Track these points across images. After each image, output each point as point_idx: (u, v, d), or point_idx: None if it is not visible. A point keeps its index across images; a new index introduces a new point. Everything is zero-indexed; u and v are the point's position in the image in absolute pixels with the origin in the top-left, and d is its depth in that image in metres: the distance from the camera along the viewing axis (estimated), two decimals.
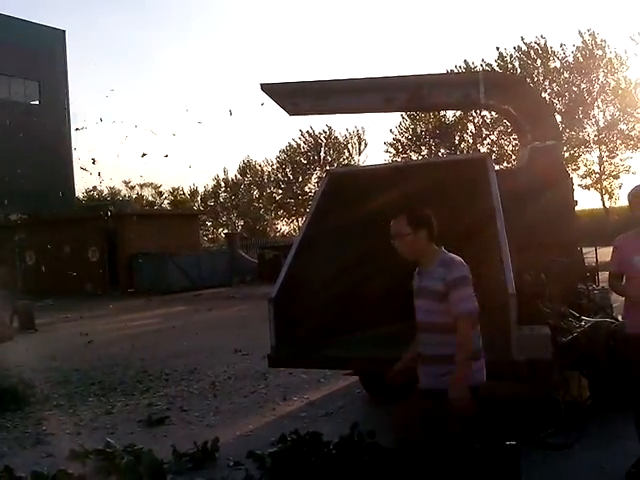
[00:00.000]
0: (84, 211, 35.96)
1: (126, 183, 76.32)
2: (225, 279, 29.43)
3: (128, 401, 8.38)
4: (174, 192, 75.15)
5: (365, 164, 47.91)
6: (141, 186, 76.27)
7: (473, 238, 5.95)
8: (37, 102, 36.99)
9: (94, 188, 66.94)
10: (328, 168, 40.66)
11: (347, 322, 6.19)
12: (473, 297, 3.72)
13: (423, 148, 52.67)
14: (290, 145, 60.68)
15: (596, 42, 45.88)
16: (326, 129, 59.06)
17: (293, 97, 7.53)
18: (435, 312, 3.78)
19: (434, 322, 3.79)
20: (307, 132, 59.33)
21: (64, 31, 38.94)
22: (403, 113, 51.64)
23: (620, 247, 4.95)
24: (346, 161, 57.51)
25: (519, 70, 45.66)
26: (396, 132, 53.96)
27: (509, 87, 7.77)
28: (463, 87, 7.49)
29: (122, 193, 73.45)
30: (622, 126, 46.46)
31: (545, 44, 47.16)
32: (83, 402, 8.41)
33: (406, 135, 53.90)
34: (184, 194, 74.05)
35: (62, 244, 28.61)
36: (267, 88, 7.49)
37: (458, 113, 49.21)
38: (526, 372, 5.24)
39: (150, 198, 75.76)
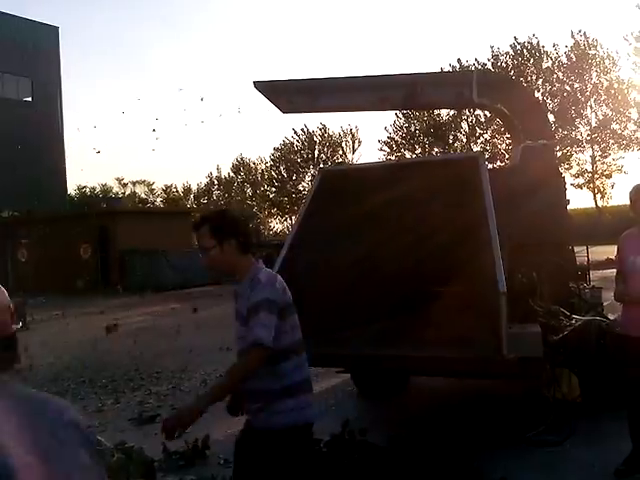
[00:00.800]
0: (76, 208, 35.90)
1: (119, 180, 76.28)
2: (217, 277, 29.36)
3: (119, 399, 8.37)
4: (167, 189, 75.10)
5: (359, 162, 47.92)
6: (134, 183, 76.26)
7: (465, 236, 5.96)
8: (30, 99, 36.86)
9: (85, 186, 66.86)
10: (322, 166, 40.73)
11: (339, 320, 6.19)
12: (269, 325, 2.99)
13: (417, 147, 52.83)
14: (284, 143, 60.70)
15: (588, 42, 46.14)
16: (321, 127, 59.17)
17: (287, 95, 7.51)
18: (244, 338, 3.10)
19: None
20: (302, 130, 59.39)
21: (57, 28, 38.84)
22: (397, 112, 51.77)
23: (621, 244, 4.97)
24: (340, 159, 57.57)
25: (512, 70, 45.87)
26: (390, 130, 54.16)
27: (502, 86, 7.79)
28: (457, 86, 7.50)
29: (114, 190, 73.40)
30: (615, 126, 46.70)
31: (538, 43, 47.41)
32: (74, 400, 8.37)
33: (400, 134, 54.06)
34: (177, 192, 74.04)
35: (54, 241, 28.54)
36: (260, 86, 7.48)
37: (452, 112, 49.38)
38: (517, 370, 5.25)
39: (143, 195, 75.75)
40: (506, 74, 41.10)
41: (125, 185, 77.27)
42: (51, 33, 38.01)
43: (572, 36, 46.70)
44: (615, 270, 5.11)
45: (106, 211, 31.24)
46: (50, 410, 1.54)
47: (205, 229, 3.20)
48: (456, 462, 5.11)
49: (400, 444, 5.60)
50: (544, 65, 47.57)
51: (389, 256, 6.65)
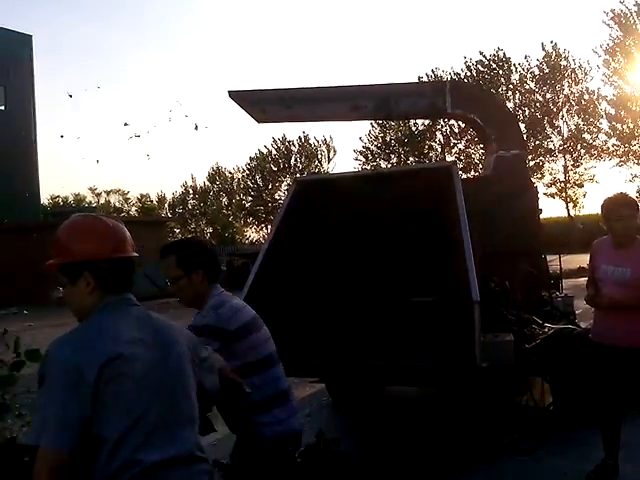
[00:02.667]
0: (49, 217, 35.54)
1: (92, 190, 75.73)
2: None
3: None
4: (142, 199, 74.66)
5: (334, 172, 48.05)
6: (108, 192, 75.74)
7: (438, 246, 6.00)
8: (2, 107, 36.49)
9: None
10: (298, 176, 40.76)
11: (314, 329, 6.19)
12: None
13: (392, 156, 53.09)
14: (260, 152, 60.68)
15: (559, 52, 46.93)
16: (301, 136, 59.29)
17: (261, 105, 7.55)
18: None
19: None
20: (279, 139, 59.44)
21: (31, 36, 38.50)
22: (372, 121, 52.09)
23: (593, 252, 4.99)
24: (316, 169, 57.67)
25: (483, 81, 46.56)
26: (366, 140, 54.39)
27: (475, 97, 7.89)
28: (430, 96, 7.58)
29: (87, 199, 72.89)
30: (586, 136, 47.38)
31: (504, 55, 48.14)
32: None
33: (375, 143, 54.31)
34: (152, 201, 73.62)
35: (27, 252, 28.20)
36: (235, 95, 7.50)
37: (427, 122, 49.78)
38: (490, 378, 5.29)
39: (117, 204, 75.25)
40: (478, 85, 41.58)
41: (99, 194, 76.76)
42: (24, 41, 37.68)
43: (543, 48, 47.46)
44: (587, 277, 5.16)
45: None
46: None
47: (172, 259, 3.18)
48: (430, 471, 5.12)
49: (375, 454, 5.60)
50: (513, 76, 48.29)
51: (362, 265, 6.67)
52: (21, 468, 2.72)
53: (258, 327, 3.24)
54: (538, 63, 47.51)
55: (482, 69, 48.43)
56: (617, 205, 4.75)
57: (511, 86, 48.05)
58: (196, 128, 10.33)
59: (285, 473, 3.16)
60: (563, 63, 46.96)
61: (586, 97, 46.81)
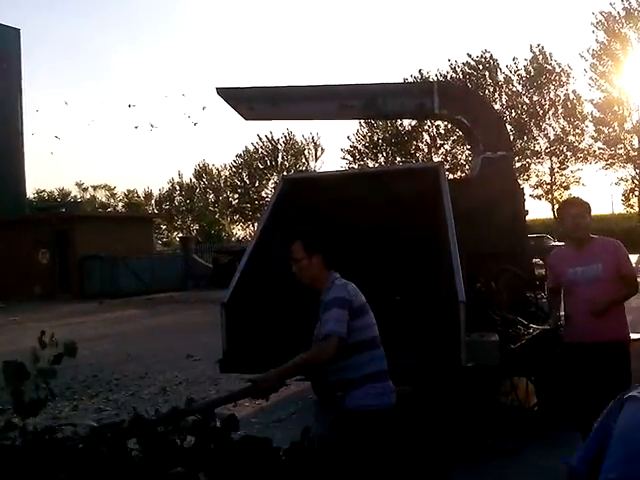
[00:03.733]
0: (35, 212, 35.29)
1: (79, 185, 75.35)
2: (179, 283, 29.19)
3: (77, 406, 8.23)
4: (128, 194, 74.38)
5: (321, 170, 48.01)
6: (94, 187, 75.38)
7: (425, 246, 6.02)
8: None
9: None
10: (285, 173, 40.72)
11: (300, 327, 6.19)
12: (341, 319, 3.40)
13: (380, 156, 53.19)
14: (247, 150, 60.61)
15: (545, 55, 47.25)
16: (286, 133, 59.25)
17: (249, 102, 7.53)
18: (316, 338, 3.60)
19: None
20: (265, 137, 59.39)
21: (19, 30, 38.17)
22: (361, 121, 52.15)
23: (554, 261, 5.16)
24: (303, 167, 57.68)
25: (470, 82, 46.79)
26: (353, 139, 54.47)
27: (462, 98, 7.89)
28: (417, 97, 7.59)
29: (73, 194, 72.51)
30: (572, 138, 47.69)
31: (491, 56, 48.40)
32: None
33: (363, 143, 54.37)
34: (139, 197, 73.34)
35: (12, 246, 28.03)
36: (223, 92, 7.48)
37: (414, 122, 49.93)
38: (475, 378, 5.31)
39: (104, 200, 74.90)
40: (466, 86, 41.67)
41: (85, 189, 76.39)
42: (12, 35, 37.36)
43: (531, 50, 47.76)
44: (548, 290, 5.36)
45: (65, 216, 30.77)
46: None
47: (299, 243, 3.69)
48: (414, 470, 5.13)
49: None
50: (499, 78, 48.56)
51: (348, 264, 6.67)
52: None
53: (368, 310, 3.61)
54: (525, 65, 47.81)
55: (469, 70, 48.66)
56: (568, 205, 5.16)
57: (497, 88, 48.31)
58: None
59: (378, 443, 3.48)
60: (549, 66, 47.27)
61: (572, 99, 47.13)
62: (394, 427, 3.58)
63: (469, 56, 48.84)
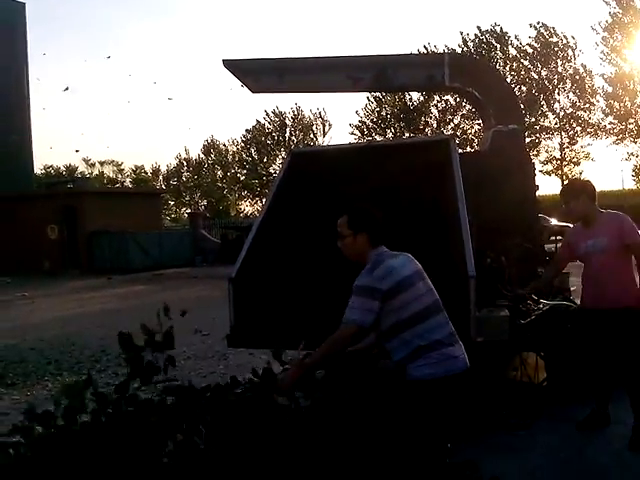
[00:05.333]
0: (42, 188, 35.31)
1: (86, 160, 75.33)
2: (187, 259, 29.22)
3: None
4: (136, 170, 74.34)
5: (330, 144, 47.80)
6: (102, 163, 75.36)
7: (435, 219, 5.94)
8: None
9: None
10: (293, 147, 40.53)
11: (308, 303, 6.15)
12: (360, 307, 3.44)
13: (388, 131, 52.86)
14: (257, 125, 60.32)
15: (549, 30, 46.72)
16: (294, 109, 58.94)
17: (256, 74, 7.44)
18: None
19: None
20: (273, 112, 59.09)
21: (24, 4, 37.96)
22: (369, 95, 51.84)
23: (570, 237, 5.59)
24: (311, 142, 57.43)
25: (480, 56, 46.25)
26: (362, 114, 54.09)
27: (473, 70, 7.77)
28: (428, 69, 7.47)
29: (81, 170, 72.55)
30: (582, 113, 47.23)
31: (501, 30, 47.85)
32: (38, 381, 8.26)
33: (371, 118, 54.01)
34: (146, 172, 73.31)
35: (20, 221, 28.09)
36: (230, 64, 7.38)
37: (422, 97, 49.56)
38: (484, 354, 5.26)
39: (111, 175, 74.93)
40: (477, 58, 41.22)
41: (93, 165, 76.38)
42: (18, 10, 37.15)
43: (533, 27, 47.25)
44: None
45: (74, 191, 30.78)
46: None
47: (344, 219, 3.70)
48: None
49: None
50: (510, 52, 48.03)
51: None
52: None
53: (412, 284, 3.56)
54: (530, 40, 47.28)
55: (479, 43, 48.09)
56: (562, 190, 5.56)
57: (508, 62, 47.79)
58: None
59: (432, 411, 3.47)
60: (553, 40, 46.72)
61: (582, 72, 46.62)
62: (454, 394, 3.57)
63: (478, 29, 48.27)
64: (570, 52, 46.79)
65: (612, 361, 5.22)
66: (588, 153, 48.96)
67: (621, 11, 43.89)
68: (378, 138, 51.90)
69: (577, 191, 5.32)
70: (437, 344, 3.51)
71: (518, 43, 47.62)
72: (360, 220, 3.68)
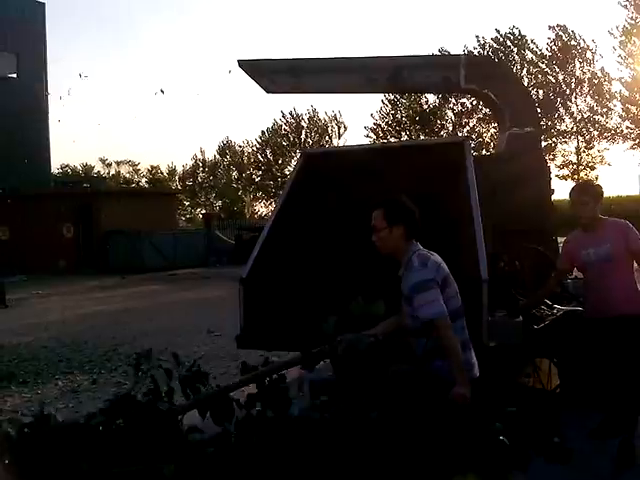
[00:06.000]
0: (59, 187, 35.48)
1: (102, 160, 75.71)
2: (201, 259, 29.24)
3: (96, 380, 8.25)
4: (152, 170, 74.60)
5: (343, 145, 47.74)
6: (118, 163, 75.73)
7: (448, 222, 5.88)
8: (15, 75, 36.30)
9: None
10: (306, 148, 40.50)
11: (319, 304, 6.12)
12: (434, 300, 3.47)
13: (403, 134, 52.73)
14: (272, 126, 60.38)
15: (569, 34, 46.42)
16: (310, 110, 58.99)
17: (271, 75, 7.41)
18: (412, 317, 3.65)
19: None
20: (289, 113, 59.16)
21: (44, 4, 38.25)
22: (384, 98, 51.81)
23: (569, 245, 5.32)
24: (327, 144, 57.40)
25: (497, 59, 46.02)
26: (377, 117, 54.01)
27: (490, 71, 7.69)
28: (444, 70, 7.42)
29: (97, 170, 72.94)
30: (598, 117, 46.89)
31: (519, 33, 47.60)
32: (50, 379, 8.28)
33: (386, 120, 53.91)
34: (162, 173, 73.54)
35: (37, 220, 28.23)
36: (245, 65, 7.36)
37: (438, 100, 49.43)
38: (497, 358, 5.20)
39: (127, 176, 75.25)
40: (494, 60, 41.03)
41: (109, 165, 76.74)
42: (38, 9, 37.42)
43: (552, 29, 46.96)
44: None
45: (90, 191, 30.93)
46: None
47: (381, 212, 3.66)
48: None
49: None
50: (527, 55, 47.76)
51: (369, 241, 6.56)
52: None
53: (451, 282, 3.65)
54: (548, 43, 47.00)
55: (497, 46, 47.85)
56: (573, 191, 5.24)
57: (525, 65, 47.52)
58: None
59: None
60: (573, 43, 46.42)
61: (600, 76, 46.28)
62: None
63: (497, 32, 48.01)
64: (589, 55, 46.47)
65: (620, 370, 5.06)
66: (602, 157, 48.60)
67: (638, 16, 43.53)
68: (393, 140, 51.79)
69: (595, 192, 5.16)
70: (463, 345, 3.55)
71: (535, 47, 47.38)
72: (397, 213, 3.64)
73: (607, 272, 4.97)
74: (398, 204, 3.71)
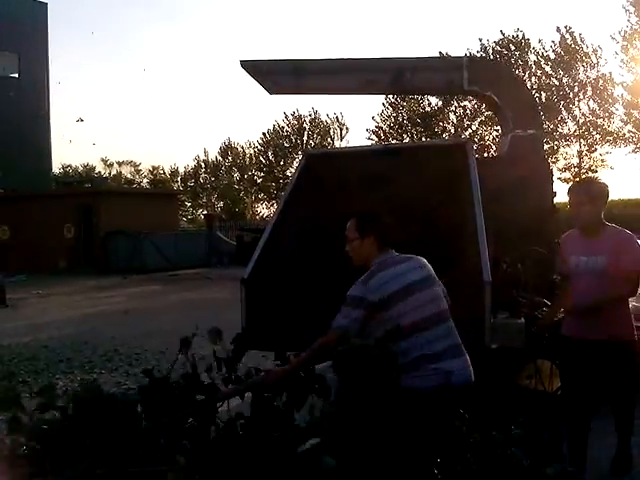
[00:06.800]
0: (60, 187, 35.50)
1: (104, 160, 75.73)
2: (202, 260, 29.22)
3: (96, 380, 8.23)
4: (154, 171, 74.60)
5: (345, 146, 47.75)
6: (119, 164, 75.76)
7: (451, 224, 5.88)
8: (16, 75, 36.37)
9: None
10: (308, 148, 40.48)
11: (320, 305, 6.10)
12: (348, 316, 3.49)
13: (405, 136, 52.71)
14: (274, 127, 60.40)
15: (574, 37, 46.43)
16: (311, 112, 59.02)
17: (273, 75, 7.41)
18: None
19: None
20: (292, 114, 59.19)
21: (46, 4, 38.33)
22: (384, 101, 51.74)
23: (562, 246, 4.82)
24: (329, 146, 57.39)
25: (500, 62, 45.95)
26: (378, 120, 53.99)
27: (492, 73, 7.70)
28: (447, 72, 7.42)
29: (98, 170, 72.98)
30: (600, 121, 46.91)
31: (523, 36, 47.59)
32: (50, 379, 8.26)
33: (388, 123, 53.91)
34: (164, 173, 73.54)
35: (37, 219, 28.23)
36: (247, 66, 7.36)
37: (440, 103, 49.41)
38: (499, 360, 5.19)
39: (129, 176, 75.28)
40: (497, 62, 40.99)
41: (110, 165, 76.76)
42: (40, 9, 37.49)
43: (558, 30, 46.91)
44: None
45: (91, 191, 30.92)
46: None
47: (353, 223, 3.73)
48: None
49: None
50: (531, 59, 47.76)
51: None
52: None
53: (410, 293, 3.51)
54: (553, 46, 46.98)
55: (500, 49, 47.85)
56: (570, 191, 4.62)
57: (527, 68, 47.54)
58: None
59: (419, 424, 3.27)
60: (577, 47, 46.41)
61: (601, 82, 46.28)
62: (443, 408, 3.37)
63: (502, 33, 47.93)
64: (594, 59, 46.46)
65: (594, 395, 4.63)
66: (603, 160, 48.55)
67: None
68: (395, 142, 51.80)
69: (596, 193, 4.50)
70: (434, 357, 3.45)
71: (541, 47, 47.30)
72: (368, 224, 3.69)
73: (596, 288, 4.36)
74: (369, 215, 3.78)
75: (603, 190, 4.56)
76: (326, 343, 3.51)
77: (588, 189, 4.55)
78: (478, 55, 47.33)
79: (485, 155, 40.85)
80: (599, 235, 4.47)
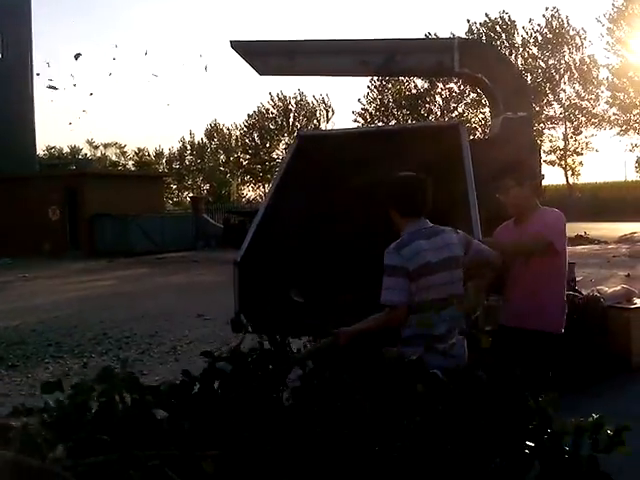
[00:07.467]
0: (45, 169, 35.18)
1: (89, 142, 75.18)
2: (189, 243, 29.12)
3: (86, 364, 8.20)
4: (139, 153, 74.15)
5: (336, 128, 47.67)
6: (105, 146, 75.24)
7: (443, 206, 5.86)
8: (0, 56, 35.84)
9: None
10: (300, 130, 40.34)
11: (314, 288, 6.09)
12: (393, 287, 3.41)
13: (391, 118, 52.71)
14: (259, 109, 60.16)
15: (560, 19, 46.54)
16: (297, 94, 58.80)
17: (264, 56, 7.35)
18: None
19: None
20: (277, 96, 58.93)
21: None
22: (369, 84, 51.69)
23: (494, 237, 4.56)
24: (315, 128, 57.23)
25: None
26: (364, 102, 53.95)
27: (483, 55, 7.67)
28: (438, 53, 7.38)
29: (84, 152, 72.44)
30: (585, 103, 47.11)
31: (509, 18, 47.62)
32: (39, 363, 8.23)
33: (374, 105, 53.87)
34: (149, 155, 73.11)
35: (22, 202, 27.99)
36: (237, 46, 7.29)
37: (426, 84, 49.41)
38: (491, 342, 5.20)
39: (114, 158, 74.80)
40: (487, 43, 40.96)
41: (96, 147, 76.21)
42: None
43: (545, 11, 46.99)
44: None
45: (76, 173, 30.66)
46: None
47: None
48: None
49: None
50: (517, 40, 47.81)
51: (364, 224, 6.54)
52: None
53: (436, 270, 3.48)
54: (540, 28, 47.02)
55: (486, 31, 47.85)
56: (505, 173, 4.37)
57: (514, 50, 47.56)
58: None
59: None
60: (564, 30, 46.50)
61: (586, 64, 46.44)
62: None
63: (487, 16, 47.98)
64: (579, 41, 46.57)
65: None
66: (588, 143, 48.81)
67: (626, 3, 43.62)
68: (381, 125, 51.77)
69: (523, 176, 4.30)
70: (435, 338, 3.36)
71: (529, 28, 47.32)
72: (386, 198, 3.75)
73: (525, 273, 4.18)
74: (384, 189, 3.81)
75: (531, 172, 4.39)
76: (385, 322, 3.49)
77: (513, 171, 4.34)
78: (465, 37, 47.31)
79: (471, 138, 40.93)
80: (529, 219, 4.25)
